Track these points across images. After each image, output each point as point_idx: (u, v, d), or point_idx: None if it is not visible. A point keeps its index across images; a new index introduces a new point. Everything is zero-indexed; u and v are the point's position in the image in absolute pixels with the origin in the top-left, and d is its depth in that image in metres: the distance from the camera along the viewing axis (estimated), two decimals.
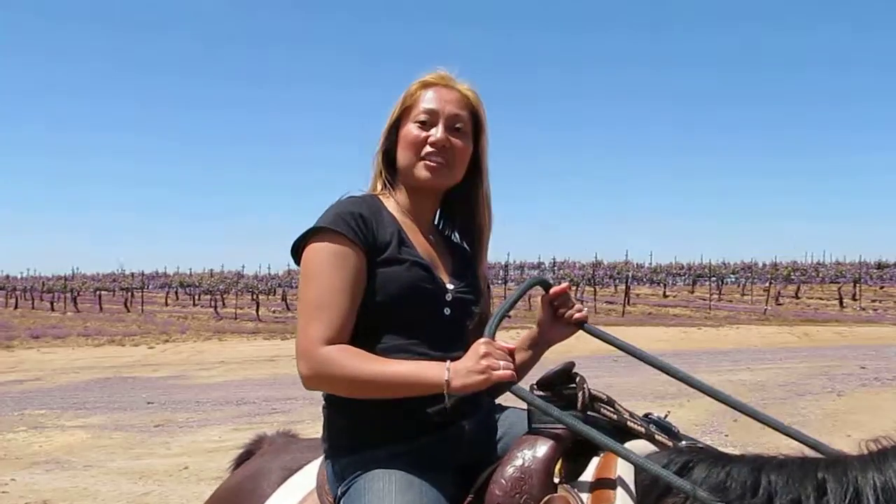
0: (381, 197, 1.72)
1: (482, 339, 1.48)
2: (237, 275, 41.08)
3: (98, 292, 40.34)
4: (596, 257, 38.51)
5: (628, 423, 1.48)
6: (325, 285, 1.55)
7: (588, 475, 1.43)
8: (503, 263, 41.18)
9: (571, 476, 1.44)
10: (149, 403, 12.23)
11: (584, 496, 1.38)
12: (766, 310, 28.96)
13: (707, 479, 1.27)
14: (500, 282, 38.14)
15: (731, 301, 33.58)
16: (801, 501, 1.18)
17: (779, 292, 33.00)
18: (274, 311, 33.47)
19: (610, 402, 1.51)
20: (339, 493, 1.59)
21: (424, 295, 1.62)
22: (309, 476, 1.74)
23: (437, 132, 1.67)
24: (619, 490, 1.35)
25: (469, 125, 1.72)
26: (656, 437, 1.48)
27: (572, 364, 1.51)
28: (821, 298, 34.09)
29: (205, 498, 7.36)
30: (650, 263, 41.56)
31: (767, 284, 33.62)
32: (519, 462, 1.42)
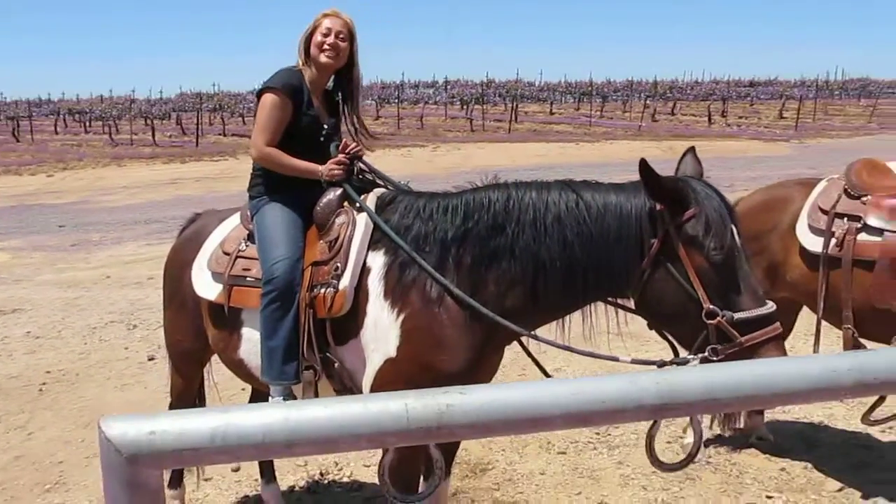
0: (302, 70, 3.11)
1: (337, 158, 3.00)
2: (129, 100, 40.32)
3: None
4: (487, 76, 39.50)
5: (377, 181, 3.04)
6: (268, 116, 2.98)
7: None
8: (398, 83, 41.73)
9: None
10: (60, 227, 13.09)
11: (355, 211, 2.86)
12: (640, 126, 31.00)
13: (392, 203, 2.79)
14: (394, 100, 38.93)
15: (611, 118, 35.52)
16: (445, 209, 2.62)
17: (656, 109, 35.03)
18: (170, 136, 33.42)
19: (372, 171, 3.07)
20: (252, 213, 3.08)
21: (312, 130, 3.06)
22: (236, 216, 3.22)
23: (330, 38, 3.05)
24: (368, 204, 2.83)
25: (348, 36, 3.10)
26: (388, 186, 2.99)
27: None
28: (694, 115, 36.31)
29: (130, 299, 9.22)
30: (539, 82, 42.94)
31: (645, 101, 35.52)
32: (327, 197, 2.90)
